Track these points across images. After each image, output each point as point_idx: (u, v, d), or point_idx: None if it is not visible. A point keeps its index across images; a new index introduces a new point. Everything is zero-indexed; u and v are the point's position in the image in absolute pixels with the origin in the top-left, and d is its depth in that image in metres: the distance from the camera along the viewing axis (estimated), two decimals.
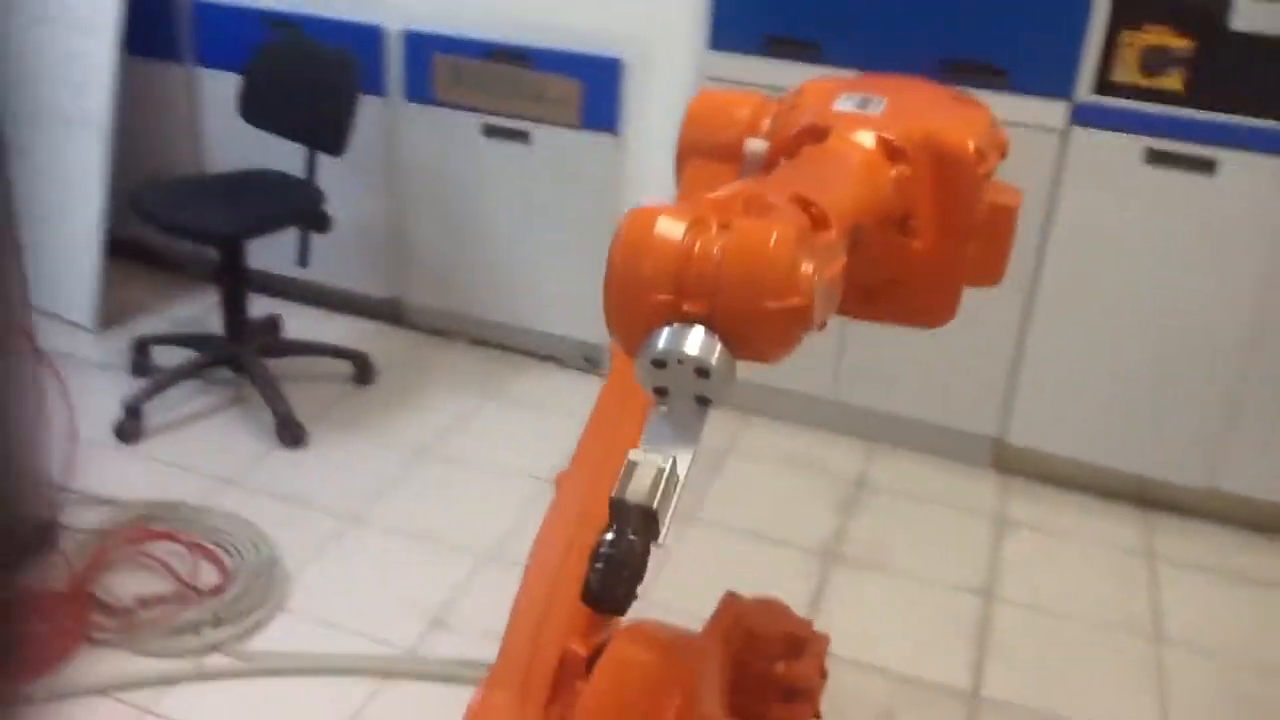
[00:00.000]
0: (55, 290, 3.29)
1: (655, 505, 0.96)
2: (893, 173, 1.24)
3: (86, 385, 3.00)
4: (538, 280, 3.27)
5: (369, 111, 3.15)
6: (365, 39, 3.17)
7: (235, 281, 2.93)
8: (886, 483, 2.92)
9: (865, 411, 3.04)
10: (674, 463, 0.98)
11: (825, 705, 1.73)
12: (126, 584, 2.28)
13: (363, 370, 3.15)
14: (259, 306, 3.27)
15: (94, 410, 2.80)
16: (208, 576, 2.32)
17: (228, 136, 3.34)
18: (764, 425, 3.12)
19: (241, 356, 2.97)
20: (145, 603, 2.22)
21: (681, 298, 0.95)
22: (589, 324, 3.26)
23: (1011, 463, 2.99)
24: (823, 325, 1.03)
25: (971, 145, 1.29)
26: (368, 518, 2.58)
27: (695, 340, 0.95)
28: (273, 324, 3.28)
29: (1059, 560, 2.68)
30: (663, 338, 0.96)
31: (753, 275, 0.93)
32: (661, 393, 0.98)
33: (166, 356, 3.09)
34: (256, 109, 3.00)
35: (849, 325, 2.85)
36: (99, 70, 3.13)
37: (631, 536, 0.96)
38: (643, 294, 0.96)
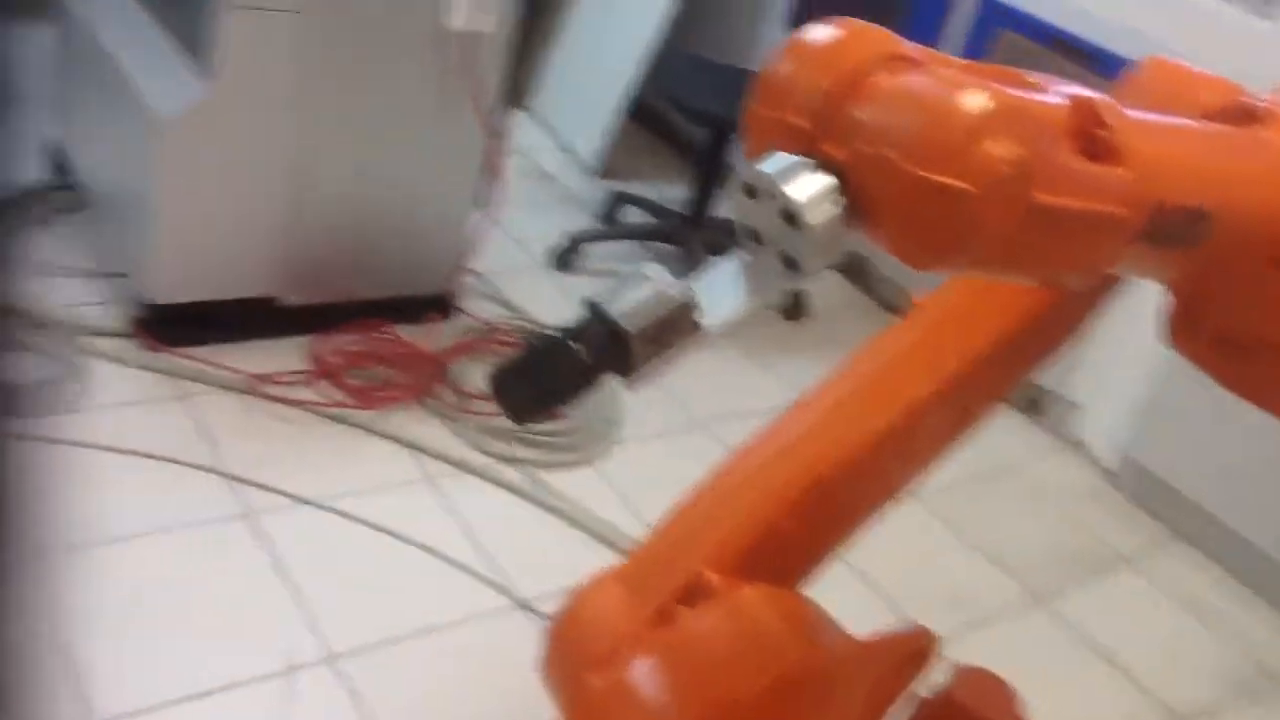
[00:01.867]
0: (575, 124, 3.54)
1: (633, 330, 0.77)
2: None
3: (556, 210, 3.21)
4: None
5: None
6: None
7: (712, 169, 2.96)
8: None
9: None
10: (687, 298, 0.78)
11: None
12: (478, 375, 2.42)
13: (794, 306, 3.06)
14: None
15: (548, 233, 2.99)
16: None
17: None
18: (1187, 558, 2.60)
19: (688, 240, 3.01)
20: (485, 397, 2.35)
21: (823, 133, 0.74)
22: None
23: None
24: (1045, 275, 0.75)
25: None
26: (716, 430, 2.52)
27: (799, 177, 0.73)
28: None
29: None
30: (764, 160, 0.75)
31: (910, 129, 0.69)
32: (755, 238, 0.78)
33: (632, 216, 3.23)
34: (800, 20, 2.96)
35: None
36: None
37: (574, 344, 0.78)
38: (779, 110, 0.76)
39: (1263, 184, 0.86)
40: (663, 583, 1.16)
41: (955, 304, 1.20)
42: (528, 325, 2.59)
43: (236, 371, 2.16)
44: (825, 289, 3.23)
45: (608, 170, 3.46)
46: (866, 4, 2.90)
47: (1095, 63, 2.72)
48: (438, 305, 2.50)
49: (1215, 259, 0.93)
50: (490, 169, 2.43)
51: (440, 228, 2.45)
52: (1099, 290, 1.15)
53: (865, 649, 1.13)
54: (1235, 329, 0.96)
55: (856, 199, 0.73)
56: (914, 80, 0.72)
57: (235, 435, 2.05)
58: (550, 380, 0.79)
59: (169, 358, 2.15)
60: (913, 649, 1.17)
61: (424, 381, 2.31)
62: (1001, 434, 2.89)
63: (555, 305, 2.76)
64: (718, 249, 3.08)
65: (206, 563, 1.81)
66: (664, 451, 2.40)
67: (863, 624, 1.13)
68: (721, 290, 0.81)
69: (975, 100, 0.69)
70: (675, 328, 0.78)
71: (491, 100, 2.32)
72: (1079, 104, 0.73)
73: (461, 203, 2.44)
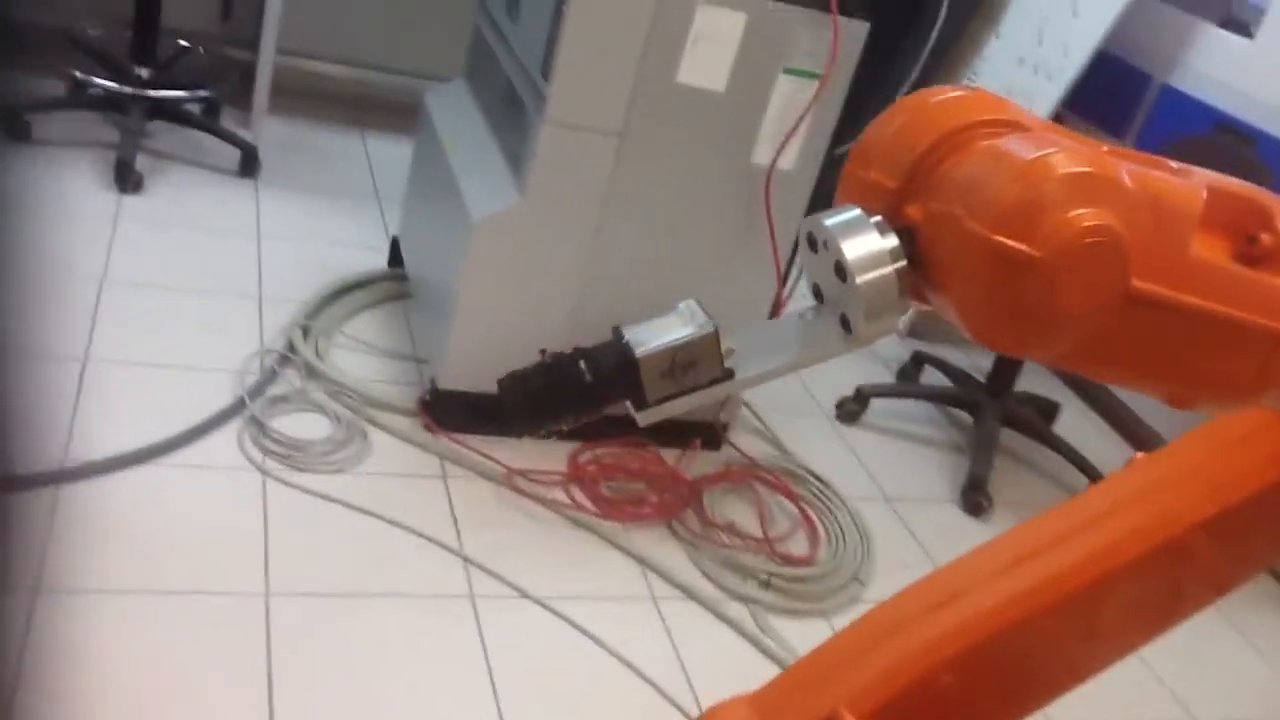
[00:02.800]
0: None
1: (641, 358, 0.71)
2: None
3: (853, 361, 3.15)
4: None
5: None
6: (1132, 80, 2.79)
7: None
8: None
9: None
10: (715, 338, 0.71)
11: None
12: (730, 507, 2.37)
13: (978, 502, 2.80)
14: (1053, 388, 3.09)
15: (841, 383, 2.93)
16: (796, 548, 2.32)
17: None
18: None
19: (983, 409, 2.84)
20: (731, 529, 2.30)
21: (907, 194, 0.67)
22: None
23: None
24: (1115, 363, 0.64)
25: None
26: None
27: (858, 231, 0.67)
28: (1048, 407, 3.07)
29: None
30: (830, 213, 0.69)
31: (983, 186, 0.62)
32: (818, 295, 0.71)
33: (931, 378, 3.11)
34: None
35: None
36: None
37: (582, 363, 0.72)
38: (872, 170, 0.69)
39: None
40: (794, 714, 1.07)
41: (1178, 464, 1.05)
42: (795, 471, 2.54)
43: (498, 462, 2.26)
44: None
45: (915, 329, 3.38)
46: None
47: (1259, 147, 2.44)
48: (707, 434, 2.51)
49: None
50: (777, 301, 2.44)
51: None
52: None
53: None
54: None
55: (924, 262, 0.66)
56: (1009, 141, 0.65)
57: (481, 521, 2.14)
58: (551, 393, 0.77)
59: (441, 440, 2.29)
60: None
61: (674, 504, 2.31)
62: None
63: (829, 454, 2.69)
64: (1014, 422, 2.91)
65: (421, 634, 1.87)
66: None
67: None
68: (771, 342, 0.76)
69: (1064, 162, 0.61)
70: (699, 368, 0.74)
71: (790, 238, 2.35)
72: (1226, 195, 0.63)
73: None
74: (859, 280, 0.68)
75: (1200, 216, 0.63)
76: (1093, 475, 2.84)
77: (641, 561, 2.16)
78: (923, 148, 0.69)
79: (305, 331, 2.46)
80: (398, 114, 3.61)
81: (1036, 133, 0.67)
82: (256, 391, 2.24)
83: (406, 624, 1.87)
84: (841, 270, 0.69)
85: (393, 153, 3.46)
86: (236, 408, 2.20)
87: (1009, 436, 2.89)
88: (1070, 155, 0.62)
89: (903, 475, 2.72)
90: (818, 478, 2.54)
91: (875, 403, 2.89)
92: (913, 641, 1.06)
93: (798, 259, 2.42)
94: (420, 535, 2.06)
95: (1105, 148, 0.71)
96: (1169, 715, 2.21)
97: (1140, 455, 1.07)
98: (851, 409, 2.86)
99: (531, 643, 1.91)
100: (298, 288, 2.63)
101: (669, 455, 2.42)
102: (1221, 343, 0.64)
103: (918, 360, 3.14)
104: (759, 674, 1.99)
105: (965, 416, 2.97)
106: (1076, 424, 3.18)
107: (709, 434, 2.52)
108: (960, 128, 0.69)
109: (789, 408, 2.81)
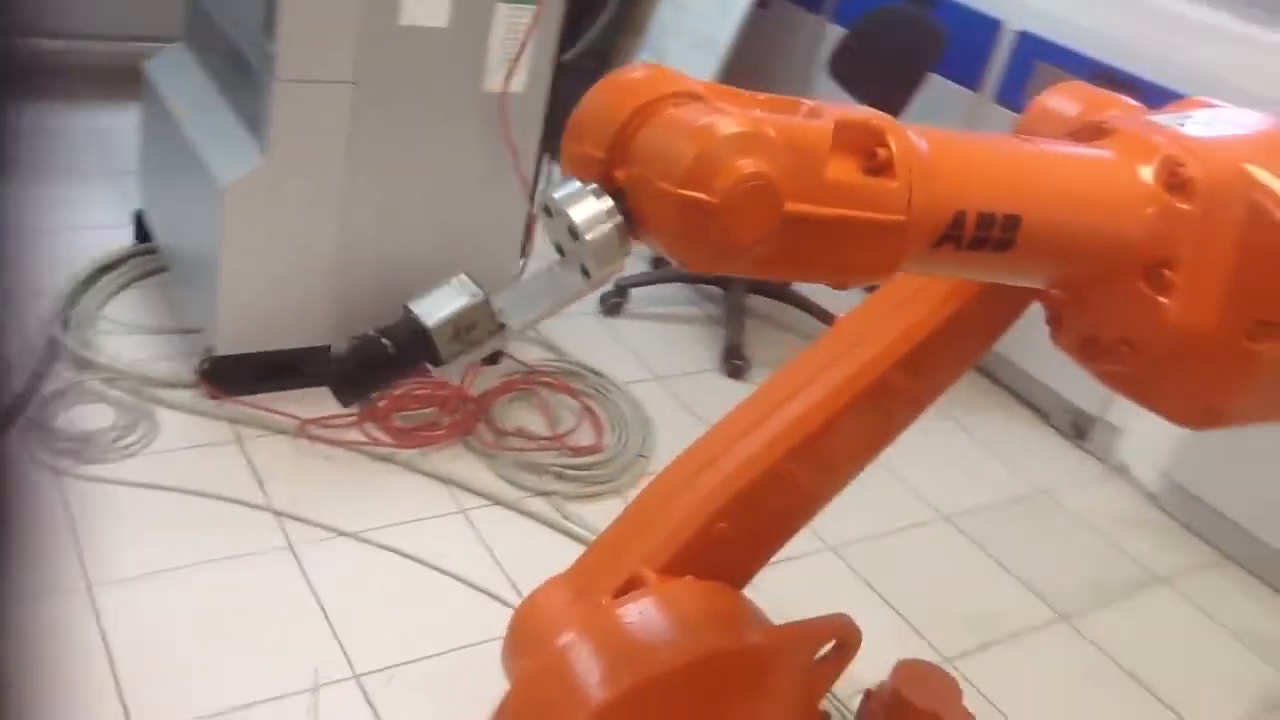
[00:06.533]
0: None
1: (432, 327, 0.89)
2: (1161, 204, 0.96)
3: None
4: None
5: (955, 101, 3.07)
6: (982, 28, 3.08)
7: None
8: None
9: None
10: (486, 304, 0.90)
11: None
12: (517, 414, 2.55)
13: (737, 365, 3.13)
14: None
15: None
16: (583, 439, 2.52)
17: (822, 90, 3.46)
18: (1232, 577, 2.57)
19: (731, 282, 3.11)
20: (521, 434, 2.48)
21: (613, 160, 0.85)
22: (1081, 388, 2.91)
23: None
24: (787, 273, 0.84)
25: None
26: None
27: (581, 201, 0.85)
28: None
29: None
30: (560, 186, 0.87)
31: (669, 152, 0.80)
32: (560, 251, 0.90)
33: None
34: (841, 66, 3.06)
35: None
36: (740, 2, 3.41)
37: (385, 341, 0.90)
38: (580, 143, 0.87)
39: (1070, 195, 0.94)
40: (603, 581, 1.26)
41: (870, 320, 1.28)
42: (571, 368, 2.73)
43: (289, 416, 2.34)
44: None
45: None
46: (908, 43, 3.01)
47: (1135, 93, 2.75)
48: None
49: (1076, 272, 1.00)
50: (532, 222, 2.58)
51: (484, 278, 2.59)
52: (1009, 303, 1.22)
53: (787, 635, 1.21)
54: (1098, 331, 1.03)
55: (633, 215, 0.84)
56: (683, 111, 0.83)
57: (283, 475, 2.22)
58: (366, 370, 0.92)
59: (228, 405, 2.34)
60: (837, 637, 1.24)
61: (465, 422, 2.46)
62: (1043, 459, 2.90)
63: (600, 347, 2.88)
64: (758, 288, 3.18)
65: (248, 590, 1.96)
66: None
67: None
68: (527, 296, 0.93)
69: (722, 125, 0.80)
70: (478, 327, 0.91)
71: (532, 157, 2.48)
72: (847, 125, 0.82)
73: (506, 253, 2.60)
74: (588, 238, 0.85)
75: (830, 146, 0.82)
76: (831, 322, 3.15)
77: (444, 480, 2.31)
78: (620, 122, 0.85)
79: (65, 322, 2.44)
80: (115, 83, 3.48)
81: (705, 101, 0.85)
82: (26, 393, 2.23)
83: (233, 585, 1.96)
84: (574, 231, 0.86)
85: (116, 123, 3.35)
86: (9, 415, 2.18)
87: (756, 301, 3.17)
88: (727, 119, 0.80)
89: (668, 354, 2.96)
90: (593, 371, 2.73)
91: (635, 292, 3.10)
92: (689, 500, 1.26)
93: (542, 175, 2.57)
94: (226, 499, 2.13)
95: (761, 97, 0.89)
96: (917, 510, 2.56)
97: (842, 316, 1.30)
98: (614, 302, 3.06)
99: (357, 575, 2.04)
100: (45, 280, 2.58)
101: (453, 377, 2.56)
102: (862, 237, 0.84)
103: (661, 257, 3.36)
104: (570, 558, 2.19)
105: (716, 290, 3.23)
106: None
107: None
108: (647, 103, 0.85)
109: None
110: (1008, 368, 3.11)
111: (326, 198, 2.29)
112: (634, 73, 0.90)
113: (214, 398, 2.35)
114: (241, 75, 2.31)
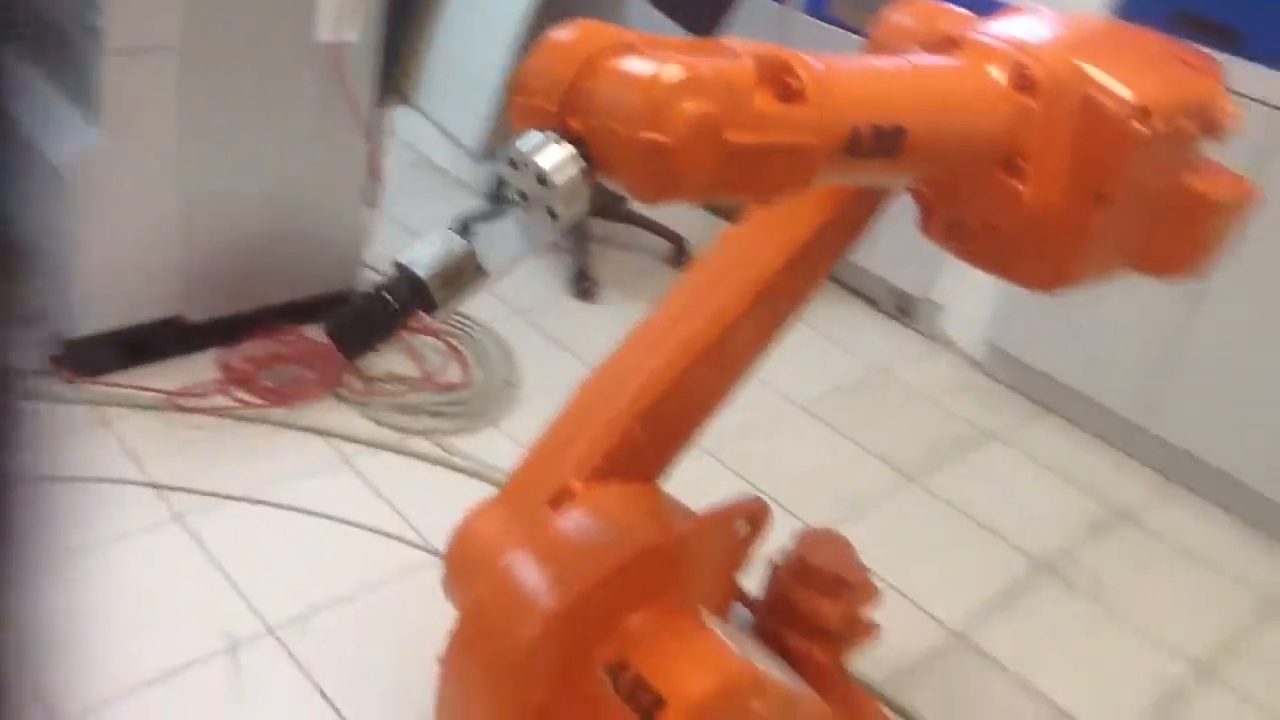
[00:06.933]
0: (456, 114, 3.70)
1: (426, 277, 0.97)
2: (1012, 103, 1.11)
3: (447, 196, 3.38)
4: None
5: (762, 15, 3.20)
6: None
7: None
8: (1159, 525, 2.58)
9: (1171, 447, 2.69)
10: (470, 251, 0.99)
11: (960, 709, 1.78)
12: (384, 360, 2.58)
13: (678, 254, 3.26)
14: None
15: (441, 220, 3.14)
16: (452, 376, 2.58)
17: (639, 16, 3.53)
18: (1050, 425, 2.87)
19: None
20: (391, 378, 2.52)
21: (566, 111, 0.94)
22: (904, 272, 3.14)
23: None
24: (734, 196, 0.95)
25: (1131, 99, 1.11)
26: None
27: (546, 149, 0.93)
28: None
29: None
30: (522, 139, 0.95)
31: (623, 101, 0.90)
32: (523, 197, 0.98)
33: None
34: None
35: (1180, 350, 2.59)
36: None
37: (386, 295, 0.98)
38: (532, 98, 0.96)
39: (939, 103, 1.07)
40: (535, 497, 1.35)
41: (750, 230, 1.40)
42: None
43: (153, 390, 2.31)
44: (709, 237, 3.44)
45: (490, 152, 3.62)
46: None
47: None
48: (340, 302, 2.65)
49: (946, 169, 1.13)
50: (373, 167, 2.58)
51: (332, 228, 2.60)
52: (870, 202, 1.36)
53: (706, 520, 1.33)
54: (964, 218, 1.17)
55: (593, 160, 0.93)
56: (628, 63, 0.92)
57: (158, 449, 2.20)
58: (372, 325, 0.99)
59: (88, 387, 2.29)
60: (750, 516, 1.38)
61: (333, 373, 2.48)
62: (876, 341, 3.13)
63: None
64: (600, 211, 3.26)
65: (145, 567, 1.96)
66: (560, 402, 2.59)
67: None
68: (501, 241, 1.00)
69: (668, 73, 0.90)
70: (465, 273, 0.98)
71: (368, 101, 2.48)
72: (765, 61, 0.92)
73: (350, 202, 2.60)
74: (557, 182, 0.93)
75: (754, 81, 0.92)
76: (672, 238, 3.28)
77: (322, 433, 2.34)
78: (568, 78, 0.93)
79: None
80: None
81: (642, 50, 0.93)
82: None
83: (128, 564, 1.95)
84: (543, 178, 0.94)
85: None
86: None
87: (598, 225, 3.26)
88: (670, 66, 0.89)
89: (520, 286, 3.02)
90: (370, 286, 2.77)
91: (481, 228, 3.13)
92: (608, 412, 1.36)
93: (385, 120, 2.56)
94: (103, 480, 2.10)
95: (685, 42, 0.98)
96: (774, 404, 2.74)
97: (729, 228, 1.41)
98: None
99: (252, 536, 2.06)
100: None
101: (314, 332, 2.56)
102: (784, 159, 0.94)
103: (502, 180, 3.39)
104: (460, 490, 2.28)
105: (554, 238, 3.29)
106: None
107: (343, 300, 2.66)
108: (590, 56, 0.93)
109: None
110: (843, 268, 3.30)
111: (166, 166, 2.24)
112: (571, 30, 0.97)
113: (71, 381, 2.29)
114: (60, 49, 2.21)
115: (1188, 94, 1.17)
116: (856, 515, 2.41)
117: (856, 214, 1.34)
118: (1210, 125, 1.20)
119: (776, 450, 2.59)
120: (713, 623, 1.29)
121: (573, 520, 1.28)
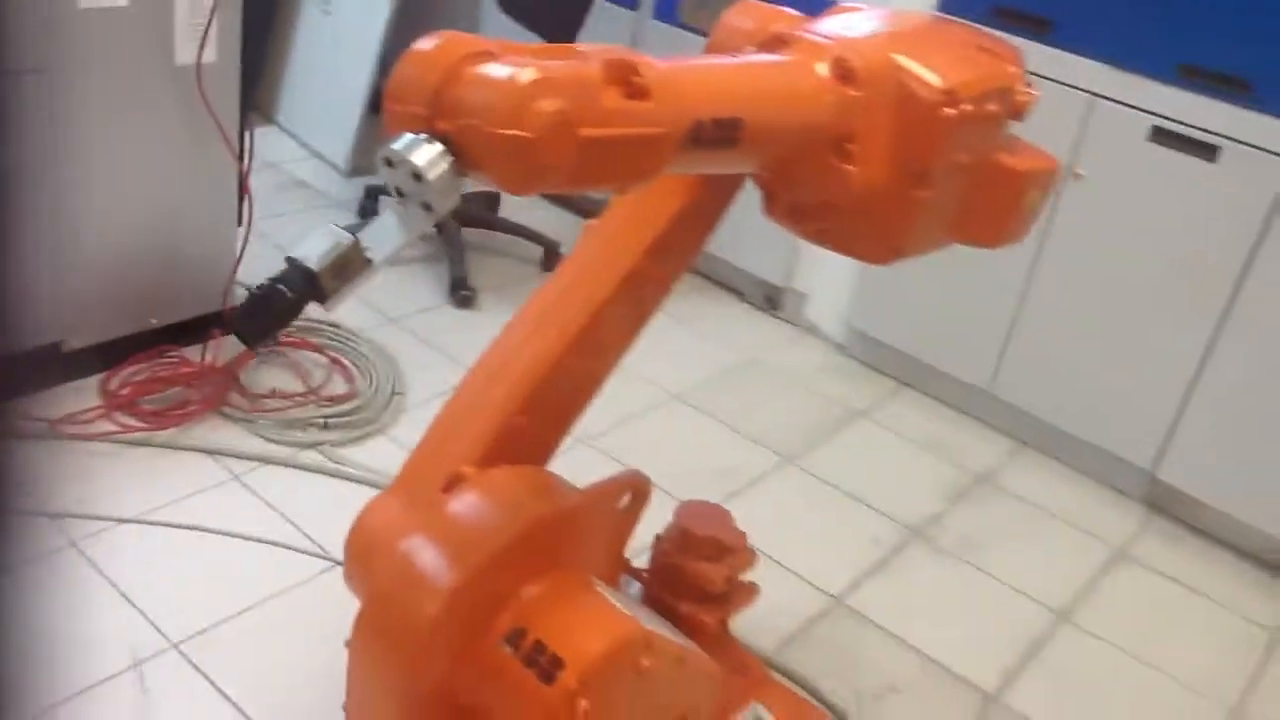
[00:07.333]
0: (322, 131, 3.73)
1: (318, 268, 1.07)
2: (837, 93, 1.23)
3: (317, 214, 3.41)
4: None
5: (615, 21, 3.32)
6: None
7: None
8: (1014, 486, 2.78)
9: (1018, 411, 2.90)
10: (356, 243, 1.08)
11: (842, 664, 1.92)
12: (267, 377, 2.61)
13: (550, 257, 3.36)
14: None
15: (307, 234, 3.18)
16: (337, 389, 2.63)
17: (494, 25, 3.62)
18: (912, 400, 3.05)
19: (441, 221, 3.26)
20: (276, 394, 2.55)
21: (435, 115, 1.03)
22: (768, 265, 3.30)
23: (1160, 502, 2.76)
24: (591, 185, 1.05)
25: (940, 85, 1.26)
26: None
27: (419, 148, 1.02)
28: (491, 198, 3.55)
29: (1165, 607, 2.47)
30: (396, 140, 1.05)
31: (485, 102, 1.00)
32: (400, 194, 1.08)
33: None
34: (510, 2, 3.24)
35: (1020, 319, 2.79)
36: None
37: (281, 286, 1.07)
38: (404, 104, 1.05)
39: (772, 96, 1.19)
40: (427, 487, 1.43)
41: (612, 222, 1.51)
42: (309, 325, 2.80)
43: (36, 419, 2.30)
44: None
45: (357, 168, 3.67)
46: None
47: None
48: (218, 322, 2.68)
49: (782, 155, 1.25)
50: (243, 187, 2.61)
51: (206, 250, 2.62)
52: (720, 191, 1.48)
53: (592, 494, 1.43)
54: (803, 200, 1.30)
55: (462, 156, 1.02)
56: (488, 68, 1.02)
57: (45, 477, 2.20)
58: (269, 315, 1.06)
59: None
60: (632, 489, 1.48)
61: (216, 393, 2.50)
62: (746, 332, 3.27)
63: None
64: (470, 220, 3.34)
65: (41, 596, 1.96)
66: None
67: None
68: (382, 235, 1.09)
69: (524, 75, 1.00)
70: (352, 265, 1.06)
71: (233, 121, 2.51)
72: (610, 63, 1.03)
73: (223, 223, 2.62)
74: (430, 178, 1.02)
75: (601, 81, 1.02)
76: (543, 243, 3.37)
77: (210, 452, 2.36)
78: (434, 84, 1.02)
79: None
80: None
81: (500, 55, 1.03)
82: None
83: (25, 593, 1.96)
84: (417, 175, 1.02)
85: None
86: None
87: (473, 234, 3.33)
88: (525, 70, 0.99)
89: (398, 296, 3.07)
90: (330, 324, 2.82)
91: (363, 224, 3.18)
92: (489, 403, 1.45)
93: (247, 139, 2.59)
94: None
95: (538, 47, 1.08)
96: (650, 395, 2.86)
97: (589, 222, 1.51)
98: None
99: (148, 557, 2.08)
100: None
101: (194, 352, 2.58)
102: (635, 149, 1.05)
103: (371, 193, 3.45)
104: (353, 498, 2.32)
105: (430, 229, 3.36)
106: (521, 203, 3.68)
107: (221, 320, 2.69)
108: (452, 65, 1.02)
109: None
110: (705, 258, 3.44)
111: (33, 189, 2.24)
112: (434, 41, 1.06)
113: None
114: None
115: (992, 79, 1.32)
116: (735, 494, 2.54)
117: (709, 202, 1.45)
118: (1013, 106, 1.36)
119: (656, 439, 2.70)
120: (604, 590, 1.39)
121: (464, 501, 1.36)
